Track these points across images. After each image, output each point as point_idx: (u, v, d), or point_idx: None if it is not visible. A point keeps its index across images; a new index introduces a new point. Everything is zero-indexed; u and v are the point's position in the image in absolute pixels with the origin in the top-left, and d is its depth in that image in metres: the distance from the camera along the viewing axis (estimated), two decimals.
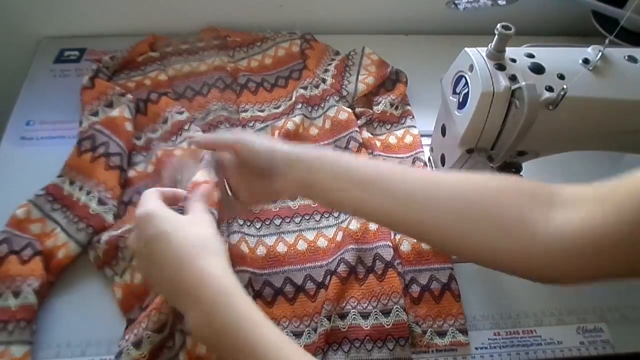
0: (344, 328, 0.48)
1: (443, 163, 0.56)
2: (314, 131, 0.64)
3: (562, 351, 0.50)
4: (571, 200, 0.34)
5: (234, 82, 0.69)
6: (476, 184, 0.36)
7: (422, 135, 0.66)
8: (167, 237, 0.36)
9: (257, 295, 0.50)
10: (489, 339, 0.50)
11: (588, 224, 0.31)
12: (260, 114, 0.66)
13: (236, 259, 0.51)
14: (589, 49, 0.47)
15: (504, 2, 0.70)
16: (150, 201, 0.38)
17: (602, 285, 0.55)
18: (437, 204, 0.36)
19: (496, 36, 0.43)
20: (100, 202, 0.53)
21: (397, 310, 0.49)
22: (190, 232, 0.37)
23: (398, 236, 0.55)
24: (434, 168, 0.61)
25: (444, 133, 0.53)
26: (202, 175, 0.44)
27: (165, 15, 0.76)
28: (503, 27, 0.42)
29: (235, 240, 0.53)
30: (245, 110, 0.66)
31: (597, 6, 0.69)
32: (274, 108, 0.67)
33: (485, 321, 0.51)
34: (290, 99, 0.67)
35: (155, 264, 0.36)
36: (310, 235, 0.56)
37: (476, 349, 0.50)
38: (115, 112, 0.60)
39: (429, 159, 0.62)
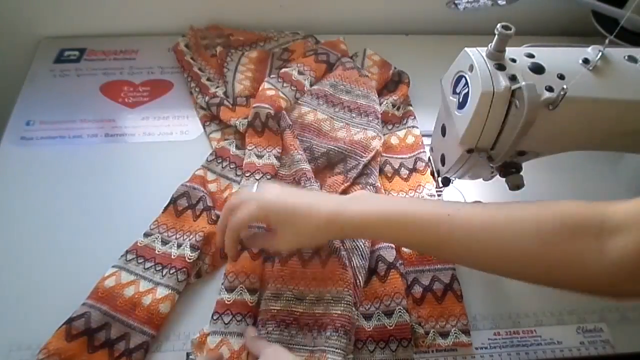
0: None
1: (443, 163, 0.56)
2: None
3: (562, 351, 0.50)
4: (623, 224, 0.33)
5: None
6: (526, 227, 0.37)
7: (423, 135, 0.66)
8: None
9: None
10: (489, 339, 0.50)
11: None
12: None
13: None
14: (589, 49, 0.47)
15: (504, 2, 0.70)
16: None
17: None
18: (494, 248, 0.38)
19: (496, 36, 0.43)
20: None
21: (399, 312, 0.49)
22: None
23: None
24: (434, 168, 0.61)
25: (444, 133, 0.53)
26: None
27: (165, 15, 0.76)
28: (503, 27, 0.42)
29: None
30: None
31: (597, 6, 0.69)
32: None
33: (485, 321, 0.51)
34: None
35: None
36: None
37: (476, 349, 0.49)
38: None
39: (429, 158, 0.62)
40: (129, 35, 0.76)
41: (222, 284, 0.49)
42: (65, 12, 0.72)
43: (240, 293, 0.48)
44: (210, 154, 0.60)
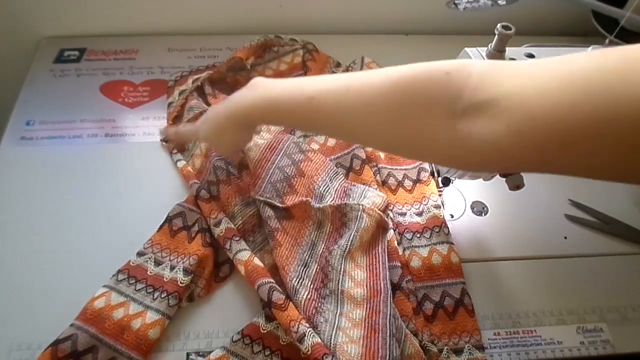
0: None
1: None
2: (314, 146, 0.63)
3: (562, 351, 0.50)
4: (486, 106, 0.30)
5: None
6: (389, 91, 0.35)
7: None
8: None
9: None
10: (489, 339, 0.50)
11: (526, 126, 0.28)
12: None
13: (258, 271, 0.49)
14: (589, 49, 0.47)
15: (504, 2, 0.70)
16: None
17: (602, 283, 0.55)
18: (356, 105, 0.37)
19: (496, 36, 0.43)
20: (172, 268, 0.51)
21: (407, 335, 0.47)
22: None
23: (407, 252, 0.54)
24: (434, 168, 0.61)
25: None
26: None
27: (165, 15, 0.76)
28: (503, 27, 0.42)
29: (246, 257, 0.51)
30: None
31: (597, 6, 0.69)
32: None
33: (485, 321, 0.51)
34: None
35: None
36: None
37: None
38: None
39: None
40: (129, 35, 0.76)
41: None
42: (65, 12, 0.72)
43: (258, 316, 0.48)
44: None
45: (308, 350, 0.43)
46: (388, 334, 0.45)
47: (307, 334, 0.44)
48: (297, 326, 0.44)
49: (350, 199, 0.54)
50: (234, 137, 0.47)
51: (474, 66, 0.32)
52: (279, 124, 0.54)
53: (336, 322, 0.46)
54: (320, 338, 0.44)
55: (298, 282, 0.49)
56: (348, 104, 0.37)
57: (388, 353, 0.44)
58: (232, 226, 0.53)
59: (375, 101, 0.36)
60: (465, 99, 0.31)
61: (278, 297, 0.46)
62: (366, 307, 0.47)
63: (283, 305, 0.46)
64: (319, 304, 0.48)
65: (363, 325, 0.46)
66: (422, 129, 0.34)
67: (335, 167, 0.59)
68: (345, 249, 0.50)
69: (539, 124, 0.27)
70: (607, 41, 0.45)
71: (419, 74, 0.34)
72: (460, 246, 0.56)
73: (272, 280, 0.48)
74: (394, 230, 0.55)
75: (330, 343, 0.44)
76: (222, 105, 0.46)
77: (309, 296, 0.47)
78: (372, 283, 0.49)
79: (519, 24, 0.43)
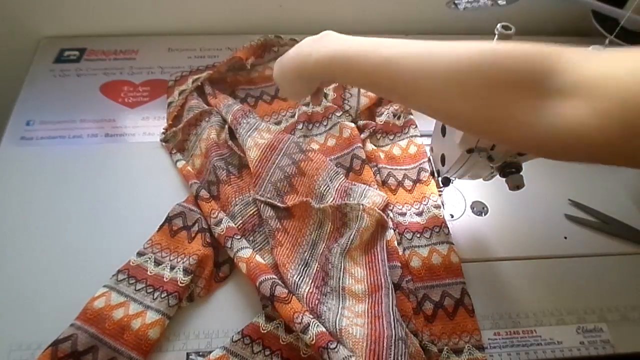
0: None
1: (443, 163, 0.56)
2: (314, 146, 0.63)
3: (562, 351, 0.50)
4: (578, 87, 0.29)
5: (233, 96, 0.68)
6: (470, 69, 0.34)
7: (422, 135, 0.65)
8: None
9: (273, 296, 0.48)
10: (489, 339, 0.50)
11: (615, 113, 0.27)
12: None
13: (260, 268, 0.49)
14: (589, 49, 0.47)
15: (504, 2, 0.70)
16: None
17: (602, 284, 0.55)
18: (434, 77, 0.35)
19: (496, 36, 0.43)
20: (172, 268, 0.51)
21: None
22: None
23: (407, 252, 0.54)
24: (434, 168, 0.61)
25: (444, 133, 0.54)
26: None
27: (165, 15, 0.76)
28: (503, 27, 0.42)
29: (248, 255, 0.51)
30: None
31: (597, 6, 0.69)
32: (275, 122, 0.67)
33: (485, 321, 0.51)
34: (293, 115, 0.67)
35: None
36: None
37: None
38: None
39: (429, 159, 0.62)
40: (129, 35, 0.76)
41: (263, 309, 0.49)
42: (65, 12, 0.72)
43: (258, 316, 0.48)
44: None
45: (312, 340, 0.43)
46: (392, 317, 0.45)
47: (311, 324, 0.44)
48: (301, 317, 0.45)
49: (351, 199, 0.54)
50: (300, 87, 0.47)
51: (565, 50, 0.32)
52: (350, 82, 0.53)
53: (340, 311, 0.47)
54: (325, 326, 0.45)
55: (299, 278, 0.49)
56: (431, 70, 0.35)
57: (393, 333, 0.44)
58: (233, 225, 0.53)
59: (462, 71, 0.34)
60: (555, 80, 0.30)
61: (281, 291, 0.47)
62: (368, 302, 0.48)
63: (286, 299, 0.46)
64: (321, 297, 0.48)
65: (366, 315, 0.47)
66: (506, 107, 0.32)
67: (335, 167, 0.59)
68: (345, 247, 0.51)
69: (630, 109, 0.27)
70: (607, 41, 0.45)
71: (511, 51, 0.33)
72: (460, 246, 0.56)
73: (274, 276, 0.48)
74: (394, 230, 0.55)
75: (336, 328, 0.45)
76: (292, 54, 0.45)
77: (310, 290, 0.48)
78: (372, 279, 0.49)
79: (519, 24, 0.43)
